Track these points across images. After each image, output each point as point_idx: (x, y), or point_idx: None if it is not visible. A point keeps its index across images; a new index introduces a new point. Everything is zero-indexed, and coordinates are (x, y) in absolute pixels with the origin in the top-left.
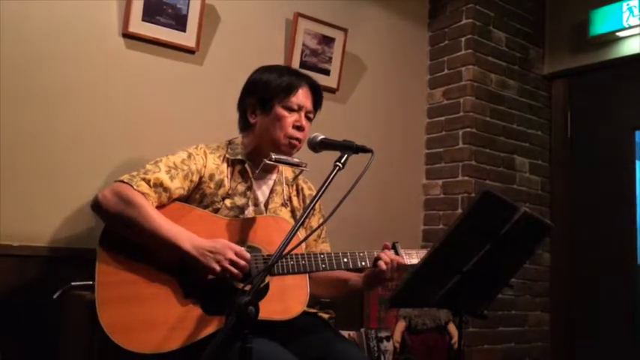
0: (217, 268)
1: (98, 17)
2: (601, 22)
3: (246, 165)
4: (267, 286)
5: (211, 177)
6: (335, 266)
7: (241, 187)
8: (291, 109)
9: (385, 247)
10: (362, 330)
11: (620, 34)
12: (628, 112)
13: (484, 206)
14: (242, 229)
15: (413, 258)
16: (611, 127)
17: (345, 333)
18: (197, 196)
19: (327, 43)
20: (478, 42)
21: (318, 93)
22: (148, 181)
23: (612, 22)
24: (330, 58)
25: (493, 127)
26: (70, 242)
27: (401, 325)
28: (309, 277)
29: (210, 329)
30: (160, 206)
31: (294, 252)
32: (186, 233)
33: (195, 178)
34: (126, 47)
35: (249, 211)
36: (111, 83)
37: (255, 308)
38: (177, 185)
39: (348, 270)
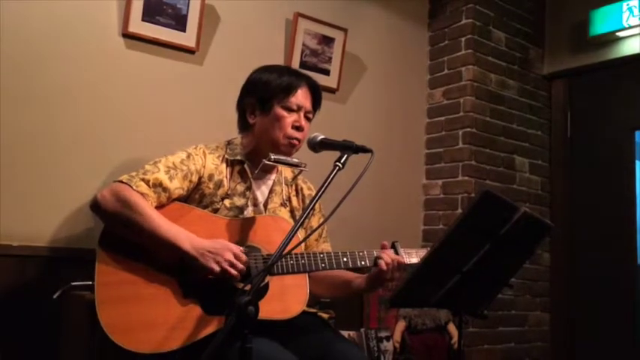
0: (217, 268)
1: (98, 17)
2: (601, 22)
3: (246, 165)
4: (266, 286)
5: (210, 177)
6: (335, 265)
7: (240, 188)
8: (290, 110)
9: (384, 247)
10: (362, 330)
11: (620, 34)
12: (628, 112)
13: (484, 206)
14: (242, 229)
15: (413, 257)
16: (611, 127)
17: (345, 333)
18: (196, 196)
19: (327, 43)
20: (478, 42)
21: (317, 93)
22: (147, 182)
23: (612, 22)
24: (330, 58)
25: (493, 127)
26: (70, 242)
27: (401, 325)
28: (310, 277)
29: (210, 329)
30: (160, 206)
31: (293, 252)
32: (186, 233)
33: (195, 178)
34: (126, 47)
35: (249, 211)
36: (111, 83)
37: (255, 308)
38: (177, 185)
39: (348, 269)
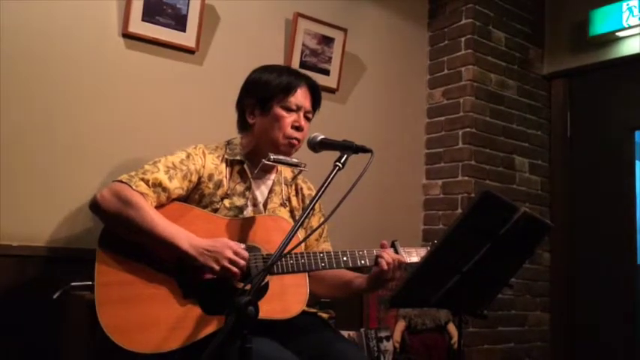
0: (216, 267)
1: (98, 17)
2: (601, 22)
3: (245, 165)
4: (266, 286)
5: (210, 177)
6: (335, 265)
7: (240, 188)
8: (289, 110)
9: (383, 246)
10: (362, 330)
11: (620, 34)
12: (628, 112)
13: (484, 206)
14: (241, 228)
15: (413, 256)
16: (611, 127)
17: (345, 333)
18: (196, 196)
19: (327, 43)
20: (478, 42)
21: (316, 93)
22: (146, 181)
23: (612, 22)
24: (330, 58)
25: (493, 127)
26: (70, 242)
27: (401, 325)
28: (311, 277)
29: (209, 329)
30: (159, 206)
31: (294, 251)
32: (185, 233)
33: (194, 178)
34: (126, 47)
35: (248, 211)
36: (111, 83)
37: (255, 308)
38: (176, 185)
39: (348, 269)
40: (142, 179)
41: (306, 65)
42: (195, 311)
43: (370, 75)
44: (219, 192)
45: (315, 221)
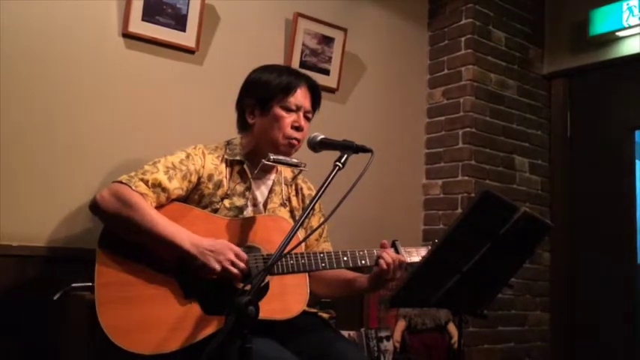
0: (218, 267)
1: (98, 17)
2: (601, 21)
3: (245, 165)
4: (266, 286)
5: (210, 177)
6: (335, 265)
7: (240, 188)
8: (289, 110)
9: (383, 246)
10: (362, 330)
11: (620, 33)
12: (628, 111)
13: (484, 206)
14: (241, 228)
15: (413, 256)
16: (611, 126)
17: (345, 333)
18: (196, 196)
19: (327, 43)
20: (478, 42)
21: (316, 93)
22: (146, 182)
23: (612, 22)
24: (330, 58)
25: (493, 127)
26: (70, 242)
27: (401, 325)
28: (311, 277)
29: (210, 329)
30: (159, 206)
31: (294, 252)
32: (185, 232)
33: (194, 178)
34: (126, 47)
35: (248, 212)
36: (111, 83)
37: (255, 308)
38: (176, 186)
39: (348, 269)
40: (142, 180)
41: (306, 65)
42: (196, 312)
43: (370, 75)
44: (219, 192)
45: (315, 221)
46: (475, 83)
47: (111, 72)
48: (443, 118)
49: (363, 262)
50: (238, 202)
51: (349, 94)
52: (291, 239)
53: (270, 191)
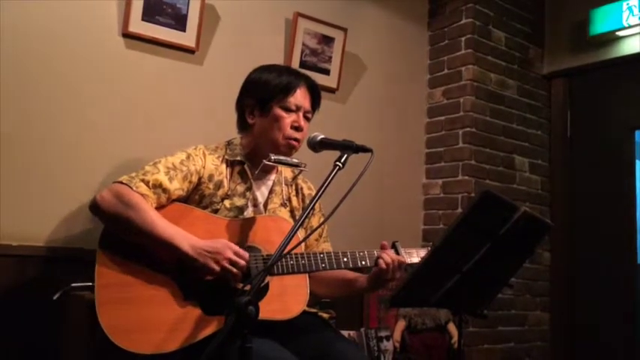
0: (216, 268)
1: (98, 17)
2: (601, 21)
3: (246, 166)
4: (266, 286)
5: (210, 178)
6: (335, 266)
7: (240, 188)
8: (289, 110)
9: (383, 247)
10: (362, 329)
11: (620, 33)
12: (628, 111)
13: (484, 206)
14: (242, 229)
15: (413, 257)
16: (611, 126)
17: (345, 333)
18: (196, 196)
19: (327, 43)
20: (478, 41)
21: (316, 93)
22: (146, 182)
23: (612, 22)
24: (330, 58)
25: (493, 127)
26: (70, 242)
27: (401, 325)
28: (311, 277)
29: (209, 330)
30: (160, 207)
31: (294, 252)
32: (184, 234)
33: (194, 179)
34: (126, 47)
35: (249, 212)
36: (110, 83)
37: (255, 308)
38: (176, 186)
39: (349, 269)
40: (143, 180)
41: (306, 65)
42: (195, 312)
43: (370, 75)
44: (220, 192)
45: (315, 221)
46: (475, 83)
47: (111, 72)
48: (443, 117)
49: (363, 262)
50: (239, 202)
51: (349, 94)
52: (291, 239)
53: (271, 191)
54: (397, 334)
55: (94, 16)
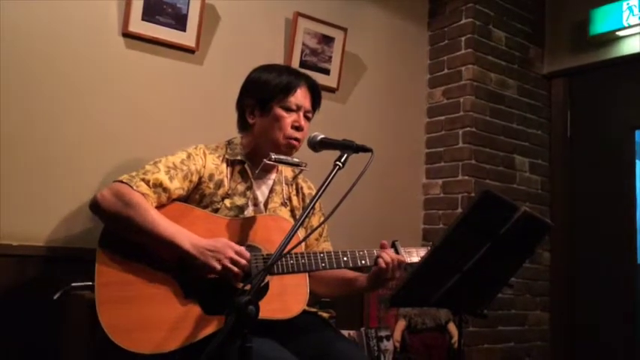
0: (218, 266)
1: (98, 17)
2: (601, 21)
3: (246, 165)
4: (266, 286)
5: (211, 177)
6: (335, 265)
7: (241, 187)
8: (289, 110)
9: (383, 246)
10: (362, 329)
11: (620, 33)
12: (628, 111)
13: (484, 206)
14: (242, 228)
15: (413, 256)
16: (611, 126)
17: (345, 332)
18: (196, 196)
19: (327, 43)
20: (478, 41)
21: (316, 92)
22: (147, 182)
23: (612, 22)
24: (330, 58)
25: (493, 127)
26: (70, 242)
27: (401, 325)
28: (311, 276)
29: (209, 329)
30: (160, 206)
31: (294, 251)
32: (185, 232)
33: (195, 178)
34: (126, 47)
35: (249, 211)
36: (111, 83)
37: (255, 307)
38: (177, 186)
39: (349, 269)
40: (143, 179)
41: (306, 65)
42: (196, 311)
43: (370, 74)
44: (220, 192)
45: (315, 221)
46: (475, 83)
47: (111, 72)
48: (443, 117)
49: (363, 262)
50: (239, 201)
51: (349, 93)
52: (291, 239)
53: (271, 191)
54: (397, 334)
55: (94, 16)
